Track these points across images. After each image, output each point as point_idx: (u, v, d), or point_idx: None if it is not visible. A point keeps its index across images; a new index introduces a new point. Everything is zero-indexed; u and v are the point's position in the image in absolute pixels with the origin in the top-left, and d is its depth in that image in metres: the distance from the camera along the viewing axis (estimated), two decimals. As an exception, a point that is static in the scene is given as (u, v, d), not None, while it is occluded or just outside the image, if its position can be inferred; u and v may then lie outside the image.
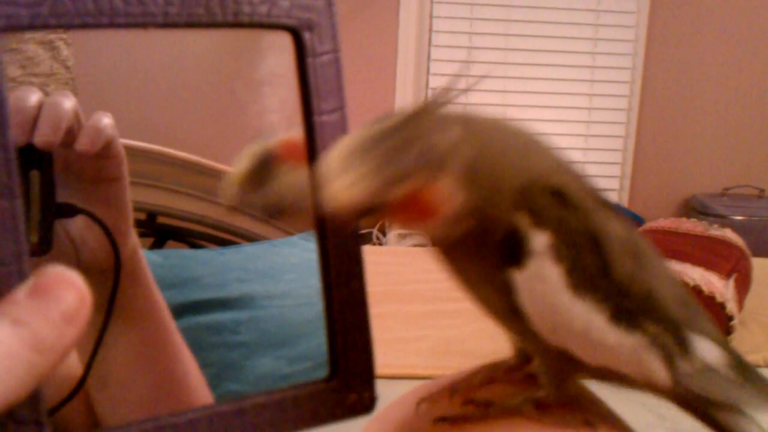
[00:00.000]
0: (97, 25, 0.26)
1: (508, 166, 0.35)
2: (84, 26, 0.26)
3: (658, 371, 0.37)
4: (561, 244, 0.35)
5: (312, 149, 0.30)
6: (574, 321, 0.36)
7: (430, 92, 2.78)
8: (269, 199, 0.35)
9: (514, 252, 0.35)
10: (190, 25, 0.28)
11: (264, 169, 0.34)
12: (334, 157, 0.29)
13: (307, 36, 0.30)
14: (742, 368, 0.38)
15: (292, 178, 0.33)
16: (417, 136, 0.30)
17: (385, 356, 1.30)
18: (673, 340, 0.37)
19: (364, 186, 0.29)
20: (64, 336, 0.23)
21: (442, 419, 0.39)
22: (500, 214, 0.35)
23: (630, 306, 0.36)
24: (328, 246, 0.31)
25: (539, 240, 0.35)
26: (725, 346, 0.39)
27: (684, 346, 0.37)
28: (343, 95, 0.31)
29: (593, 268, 0.36)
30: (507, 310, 0.37)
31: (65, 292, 0.23)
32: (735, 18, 2.85)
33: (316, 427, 0.30)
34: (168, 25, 0.27)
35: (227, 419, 0.28)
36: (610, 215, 0.37)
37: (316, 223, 0.31)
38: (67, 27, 0.26)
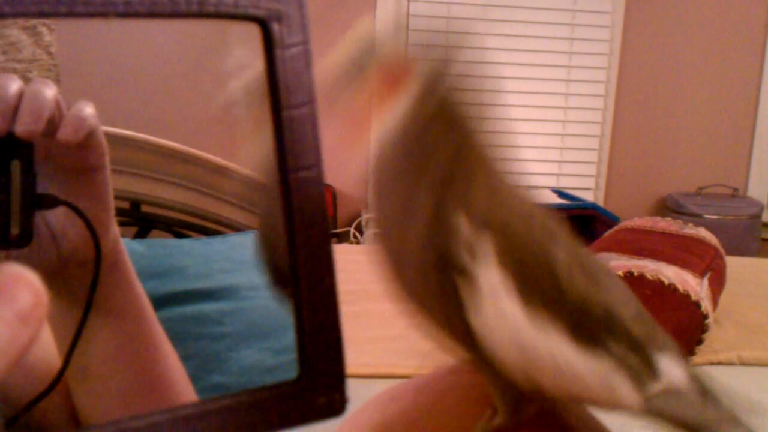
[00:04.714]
0: (55, 14, 0.25)
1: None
2: (41, 15, 0.25)
3: (629, 395, 0.36)
4: (506, 259, 0.35)
5: (280, 144, 0.29)
6: (538, 348, 0.34)
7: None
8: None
9: (455, 265, 0.36)
10: (153, 15, 0.26)
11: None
12: None
13: (275, 27, 0.28)
14: (700, 385, 0.38)
15: None
16: None
17: (363, 355, 1.29)
18: (639, 360, 0.36)
19: None
20: (19, 336, 0.22)
21: None
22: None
23: (591, 326, 0.35)
24: (297, 243, 0.29)
25: (483, 248, 0.35)
26: (683, 360, 0.38)
27: (651, 366, 0.36)
28: (313, 88, 0.29)
29: (544, 283, 0.35)
30: (464, 333, 0.36)
31: (20, 291, 0.22)
32: (710, 19, 2.89)
33: (285, 430, 0.29)
34: (129, 14, 0.26)
35: (191, 422, 0.27)
36: (556, 232, 0.37)
37: (285, 220, 0.29)
38: (23, 16, 0.25)
